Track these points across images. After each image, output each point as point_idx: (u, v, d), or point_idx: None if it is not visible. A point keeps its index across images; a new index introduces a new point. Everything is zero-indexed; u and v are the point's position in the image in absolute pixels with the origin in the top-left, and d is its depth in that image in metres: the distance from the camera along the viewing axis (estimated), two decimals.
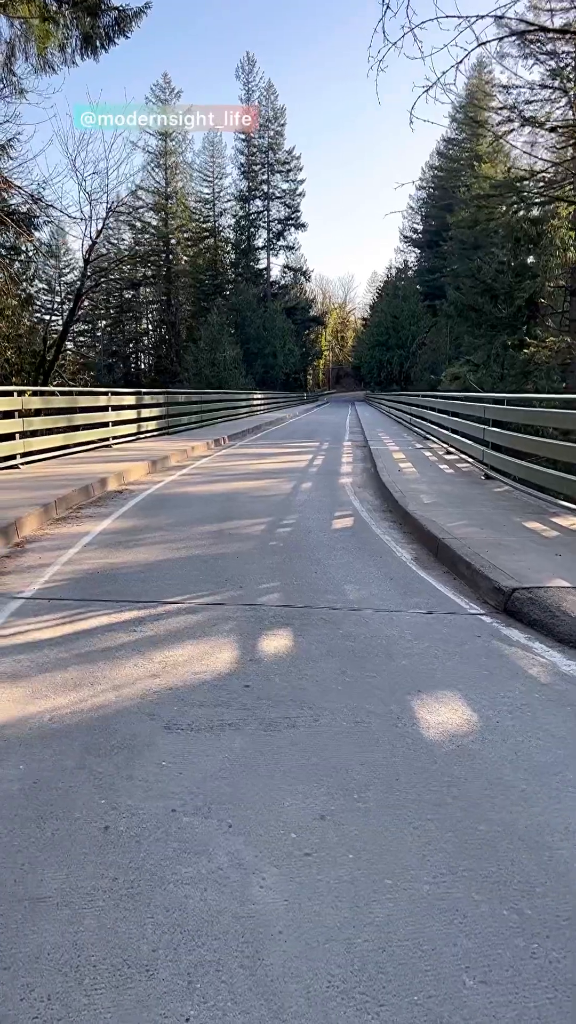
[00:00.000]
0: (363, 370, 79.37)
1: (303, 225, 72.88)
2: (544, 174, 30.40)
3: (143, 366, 70.27)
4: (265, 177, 71.18)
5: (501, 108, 29.32)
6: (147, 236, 61.65)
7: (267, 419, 33.73)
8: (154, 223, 62.47)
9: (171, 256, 63.55)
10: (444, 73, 10.76)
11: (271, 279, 73.48)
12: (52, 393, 14.94)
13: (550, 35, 26.57)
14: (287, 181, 71.99)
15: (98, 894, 2.26)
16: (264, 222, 72.38)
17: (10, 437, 11.46)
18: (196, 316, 62.89)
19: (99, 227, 22.18)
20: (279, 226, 72.52)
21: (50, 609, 5.15)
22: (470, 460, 12.91)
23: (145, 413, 19.16)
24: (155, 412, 20.07)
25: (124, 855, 2.45)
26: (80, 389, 16.69)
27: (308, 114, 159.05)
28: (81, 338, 57.47)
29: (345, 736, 3.30)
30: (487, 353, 32.46)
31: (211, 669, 4.06)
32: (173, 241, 64.05)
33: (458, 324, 43.14)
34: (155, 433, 19.99)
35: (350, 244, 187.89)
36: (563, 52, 28.15)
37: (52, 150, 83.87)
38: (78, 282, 41.27)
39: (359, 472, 13.58)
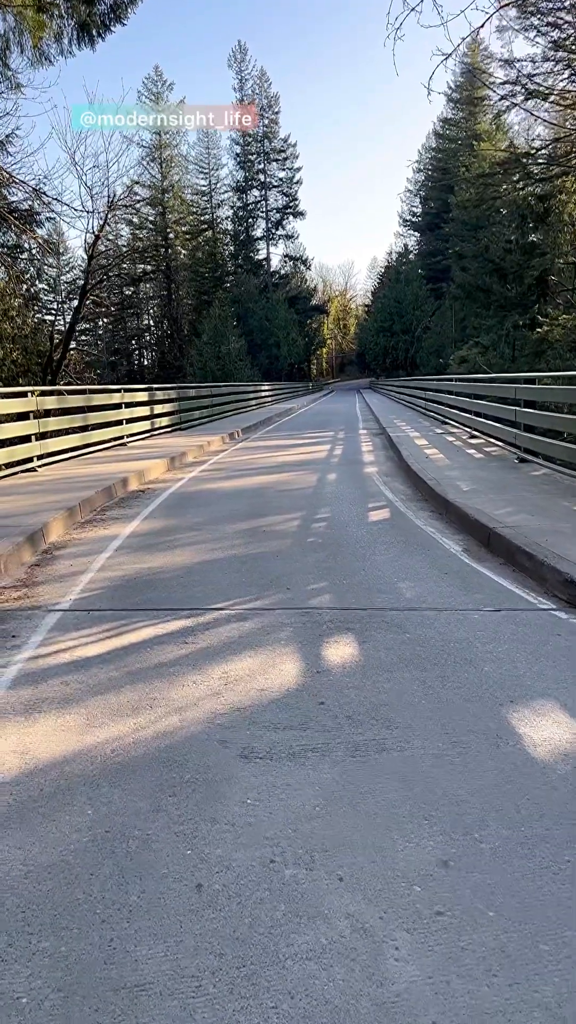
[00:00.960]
0: (368, 357, 78.73)
1: (302, 213, 72.27)
2: (544, 151, 29.81)
3: (146, 362, 69.81)
4: (262, 166, 70.46)
5: (504, 83, 28.77)
6: (145, 231, 61.02)
7: (276, 410, 33.31)
8: (151, 218, 61.82)
9: (170, 250, 62.92)
10: (464, 40, 10.32)
11: (271, 269, 72.88)
12: (66, 392, 14.55)
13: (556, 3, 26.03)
14: (284, 169, 71.30)
15: (205, 976, 1.90)
16: (262, 212, 71.74)
17: (26, 439, 11.11)
18: (198, 310, 62.26)
19: (102, 221, 21.75)
20: (277, 215, 71.88)
21: (91, 621, 4.80)
22: (499, 443, 12.50)
23: (158, 409, 18.79)
24: (167, 408, 19.72)
25: (226, 922, 2.10)
26: (94, 387, 16.31)
27: (301, 105, 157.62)
28: (83, 337, 56.98)
29: (444, 760, 2.94)
30: (496, 335, 31.93)
31: (277, 684, 3.71)
32: (171, 235, 63.38)
33: (465, 306, 42.55)
34: (168, 429, 19.62)
35: (348, 231, 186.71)
36: (565, 23, 27.55)
37: (50, 145, 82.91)
38: (80, 280, 40.89)
39: (383, 460, 13.19)
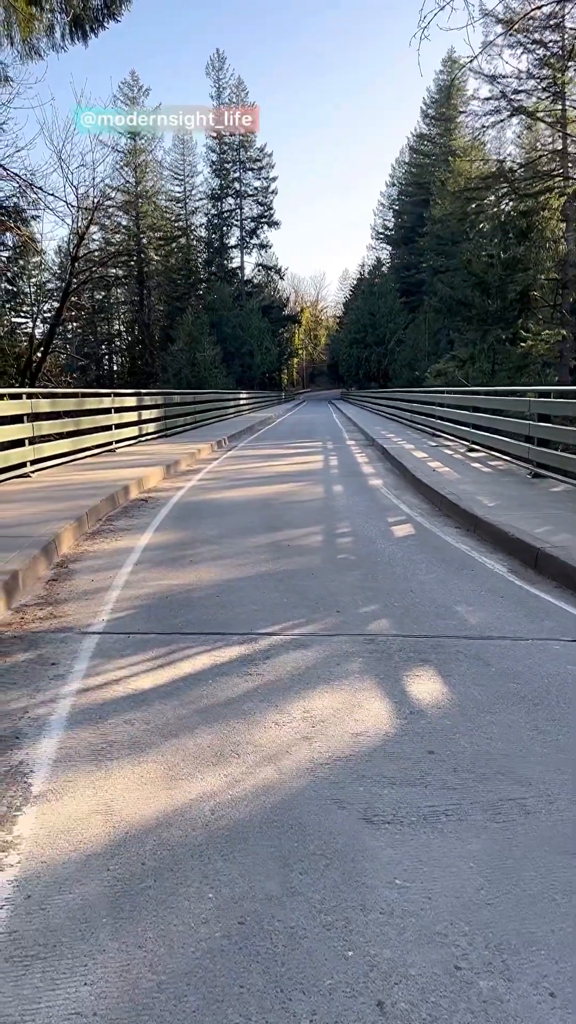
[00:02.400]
0: (341, 368, 78.65)
1: (276, 223, 71.89)
2: (526, 167, 29.96)
3: (115, 367, 68.87)
4: (237, 175, 70.11)
5: (488, 98, 28.86)
6: (118, 236, 60.21)
7: (256, 419, 32.89)
8: (124, 222, 60.97)
9: (143, 256, 62.16)
10: (490, 42, 10.02)
11: (245, 278, 72.47)
12: (59, 395, 13.90)
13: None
14: (259, 179, 70.98)
15: None
16: (237, 220, 71.31)
17: (19, 443, 10.51)
18: (170, 316, 61.65)
19: (87, 221, 21.14)
20: (252, 224, 71.49)
21: (134, 647, 4.32)
22: (504, 457, 12.22)
23: (145, 415, 18.22)
24: (154, 414, 19.15)
25: None
26: (85, 391, 15.74)
27: (273, 112, 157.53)
28: (54, 341, 56.00)
29: None
30: (475, 348, 31.89)
31: (372, 728, 3.28)
32: (144, 241, 62.64)
33: (441, 319, 42.66)
34: (155, 435, 19.07)
35: (320, 242, 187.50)
36: (550, 41, 27.72)
37: (34, 144, 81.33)
38: (52, 282, 40.15)
39: (384, 473, 12.84)
